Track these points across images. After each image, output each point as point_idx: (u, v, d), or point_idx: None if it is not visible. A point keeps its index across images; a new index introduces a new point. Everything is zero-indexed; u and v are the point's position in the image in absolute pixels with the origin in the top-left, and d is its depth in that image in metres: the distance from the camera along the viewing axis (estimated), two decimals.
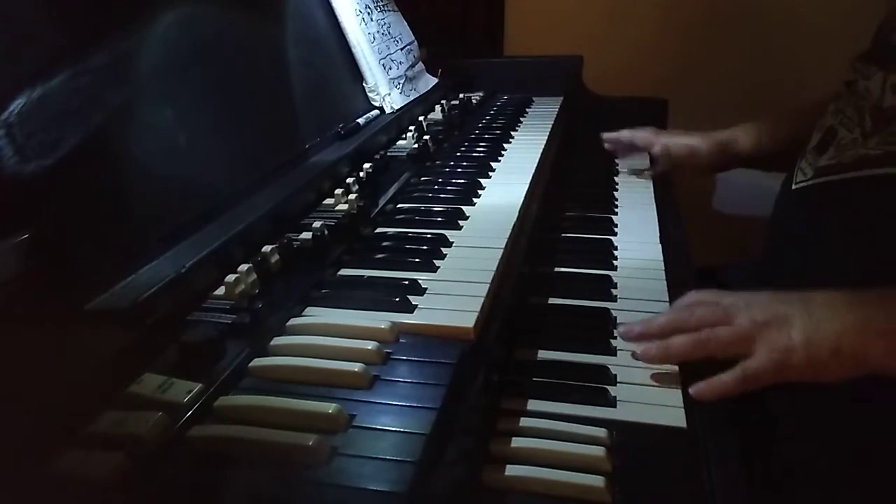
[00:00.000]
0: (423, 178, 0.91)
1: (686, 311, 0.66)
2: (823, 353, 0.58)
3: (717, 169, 1.13)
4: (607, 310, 0.76)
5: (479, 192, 0.85)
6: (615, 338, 0.71)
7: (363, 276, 0.66)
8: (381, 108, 1.07)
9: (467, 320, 0.56)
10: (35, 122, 0.51)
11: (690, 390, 0.61)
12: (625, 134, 1.16)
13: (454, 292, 0.61)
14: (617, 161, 1.22)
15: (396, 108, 1.08)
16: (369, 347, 0.52)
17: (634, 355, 0.67)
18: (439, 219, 0.77)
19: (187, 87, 0.70)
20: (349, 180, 0.82)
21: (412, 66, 1.18)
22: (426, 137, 1.01)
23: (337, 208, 0.77)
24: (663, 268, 0.84)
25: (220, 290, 0.58)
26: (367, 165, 0.87)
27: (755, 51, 1.46)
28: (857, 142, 0.75)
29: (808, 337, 0.59)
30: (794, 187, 0.84)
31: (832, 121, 0.80)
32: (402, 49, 1.16)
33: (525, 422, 0.60)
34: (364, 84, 1.07)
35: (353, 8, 1.05)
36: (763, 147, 1.04)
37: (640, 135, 1.14)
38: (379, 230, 0.76)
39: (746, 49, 1.45)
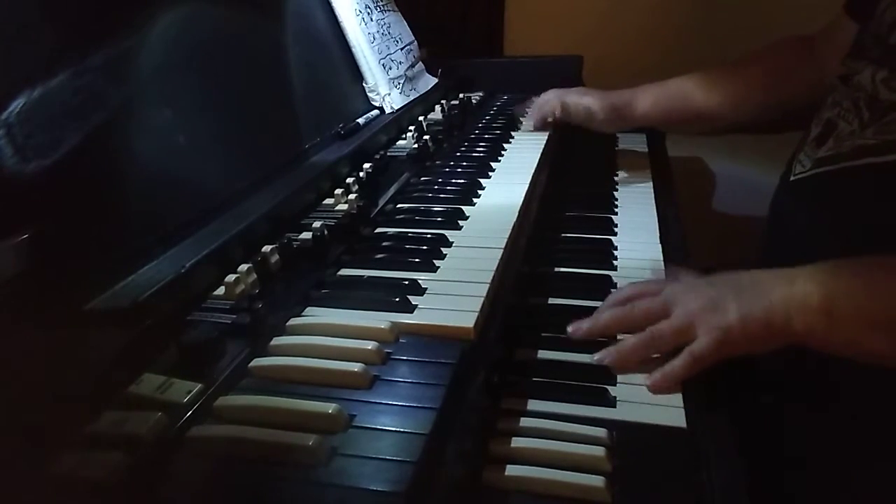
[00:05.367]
0: (422, 178, 0.90)
1: (627, 306, 0.69)
2: (757, 327, 0.62)
3: (613, 130, 1.15)
4: None
5: (479, 192, 0.85)
6: (616, 338, 0.71)
7: (363, 276, 0.66)
8: (381, 108, 1.07)
9: (467, 320, 0.56)
10: (35, 122, 0.51)
11: (647, 386, 0.63)
12: (535, 104, 1.15)
13: (454, 292, 0.61)
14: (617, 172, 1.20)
15: (396, 108, 1.08)
16: (369, 347, 0.52)
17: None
18: (439, 219, 0.77)
19: (187, 87, 0.70)
20: (349, 180, 0.82)
21: (412, 66, 1.18)
22: (426, 137, 1.01)
23: (337, 208, 0.77)
24: (663, 268, 0.84)
25: (220, 290, 0.58)
26: (366, 165, 0.87)
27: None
28: (855, 133, 0.75)
29: (741, 315, 0.63)
30: (791, 179, 0.84)
31: (830, 114, 0.81)
32: (402, 49, 1.16)
33: (525, 422, 0.60)
34: (364, 84, 1.07)
35: (353, 8, 1.05)
36: (660, 110, 1.07)
37: (545, 101, 1.13)
38: (379, 230, 0.76)
39: (747, 50, 1.45)
